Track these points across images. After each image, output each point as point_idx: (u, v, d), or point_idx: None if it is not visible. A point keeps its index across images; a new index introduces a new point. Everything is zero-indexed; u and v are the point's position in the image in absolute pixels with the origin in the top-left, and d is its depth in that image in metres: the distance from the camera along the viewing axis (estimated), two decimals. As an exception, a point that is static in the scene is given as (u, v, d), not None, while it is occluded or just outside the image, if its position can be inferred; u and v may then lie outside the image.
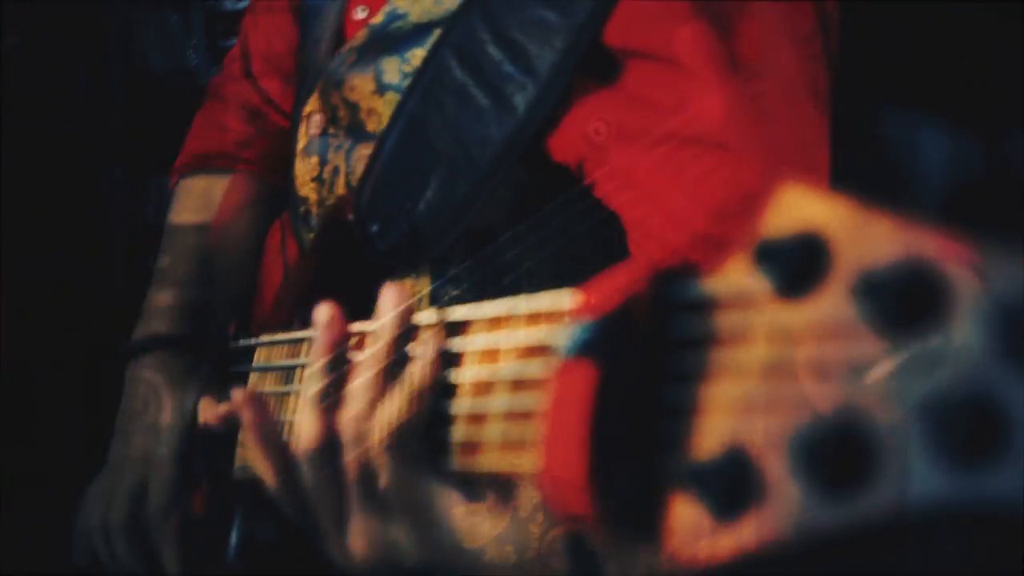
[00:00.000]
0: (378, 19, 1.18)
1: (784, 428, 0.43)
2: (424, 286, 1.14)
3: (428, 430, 0.75)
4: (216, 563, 1.32)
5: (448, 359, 0.74)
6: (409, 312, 0.78)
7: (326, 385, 0.80)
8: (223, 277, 1.41)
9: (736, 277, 0.48)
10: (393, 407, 0.75)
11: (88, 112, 2.45)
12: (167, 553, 1.26)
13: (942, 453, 0.38)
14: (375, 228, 1.05)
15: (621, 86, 1.02)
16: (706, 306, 0.49)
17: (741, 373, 0.46)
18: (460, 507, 0.76)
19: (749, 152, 0.99)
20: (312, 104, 1.25)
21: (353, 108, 1.18)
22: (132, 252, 1.59)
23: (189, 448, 1.26)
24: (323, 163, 1.23)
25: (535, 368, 0.63)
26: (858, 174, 1.01)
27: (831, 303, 0.43)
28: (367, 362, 0.78)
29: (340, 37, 1.26)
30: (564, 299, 0.61)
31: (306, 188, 1.25)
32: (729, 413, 0.46)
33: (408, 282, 1.15)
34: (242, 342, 1.23)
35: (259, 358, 1.17)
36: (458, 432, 0.70)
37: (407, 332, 0.79)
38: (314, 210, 1.25)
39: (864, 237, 0.43)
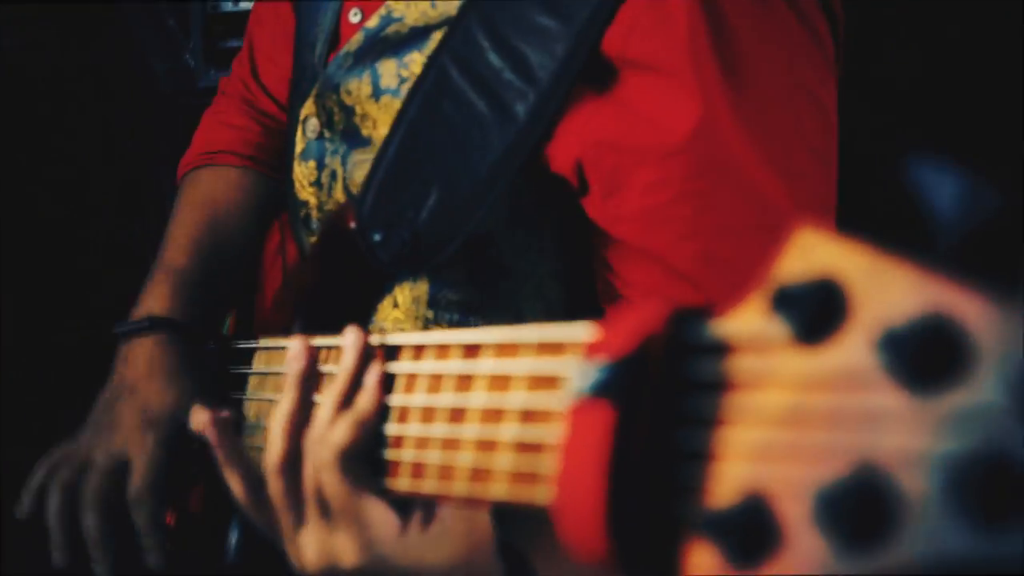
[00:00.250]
0: (373, 22, 1.18)
1: (803, 477, 0.43)
2: (421, 290, 1.14)
3: (371, 451, 0.82)
4: (215, 562, 1.32)
5: (457, 382, 0.74)
6: (369, 352, 0.83)
7: (294, 407, 0.87)
8: (222, 267, 1.41)
9: (753, 320, 0.48)
10: (341, 429, 0.82)
11: (94, 110, 2.45)
12: (146, 540, 1.23)
13: (963, 513, 0.38)
14: (377, 237, 1.05)
15: (619, 96, 1.02)
16: (723, 349, 0.49)
17: (759, 419, 0.46)
18: (397, 525, 0.83)
19: (721, 192, 0.99)
20: (308, 108, 1.25)
21: (349, 112, 1.17)
22: (132, 251, 1.58)
23: (178, 434, 1.24)
24: (320, 167, 1.23)
25: (544, 399, 0.63)
26: (875, 217, 1.01)
27: (850, 351, 0.43)
28: (330, 391, 0.84)
29: (335, 40, 1.26)
30: (571, 331, 0.61)
31: (305, 192, 1.25)
32: (747, 460, 0.46)
33: (406, 286, 1.15)
34: (242, 344, 1.23)
35: (259, 361, 1.16)
36: (465, 457, 0.70)
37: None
38: (315, 214, 1.25)
39: (883, 284, 0.43)
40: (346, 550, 0.85)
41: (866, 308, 0.43)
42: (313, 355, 0.89)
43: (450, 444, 0.72)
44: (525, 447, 0.64)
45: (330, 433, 0.83)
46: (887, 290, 0.42)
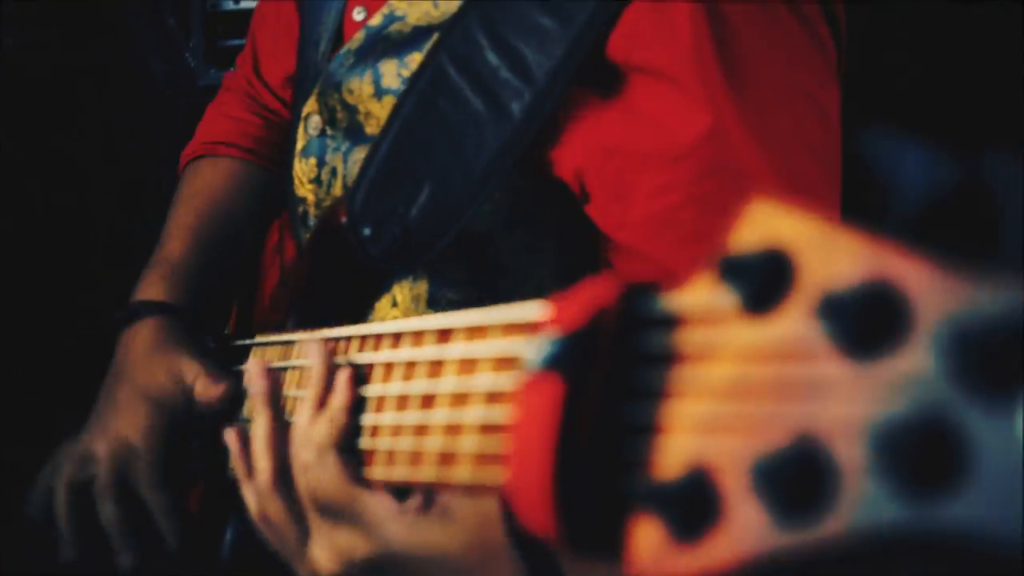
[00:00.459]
0: (375, 21, 1.18)
1: (745, 449, 0.43)
2: (421, 289, 1.14)
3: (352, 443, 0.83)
4: (211, 561, 1.32)
5: (429, 368, 0.74)
6: (334, 362, 0.86)
7: (269, 424, 0.89)
8: (220, 257, 1.41)
9: (703, 293, 0.47)
10: (321, 427, 0.84)
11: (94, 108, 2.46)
12: (161, 522, 1.23)
13: (896, 481, 0.37)
14: (367, 231, 1.05)
15: (623, 101, 1.01)
16: (673, 322, 0.49)
17: (704, 391, 0.46)
18: (394, 508, 0.83)
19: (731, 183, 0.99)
20: (310, 105, 1.25)
21: (352, 111, 1.17)
22: (132, 251, 1.58)
23: (181, 413, 1.24)
24: (321, 164, 1.23)
25: (508, 380, 0.63)
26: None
27: (792, 321, 0.43)
28: (303, 403, 0.86)
29: (339, 38, 1.26)
30: (535, 310, 0.60)
31: (304, 189, 1.25)
32: (692, 432, 0.46)
33: (406, 285, 1.15)
34: (239, 343, 1.23)
35: (254, 358, 1.17)
36: (434, 442, 0.70)
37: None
38: (312, 211, 1.25)
39: (828, 253, 0.42)
40: (354, 543, 0.85)
41: (811, 276, 0.42)
42: (274, 375, 0.91)
43: (421, 430, 0.72)
44: (489, 429, 0.64)
45: (312, 432, 0.85)
46: (833, 259, 0.42)
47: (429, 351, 0.74)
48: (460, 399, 0.68)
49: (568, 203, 1.08)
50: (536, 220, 1.10)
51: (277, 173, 1.46)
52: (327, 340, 0.90)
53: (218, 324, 1.44)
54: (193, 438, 1.25)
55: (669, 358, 0.48)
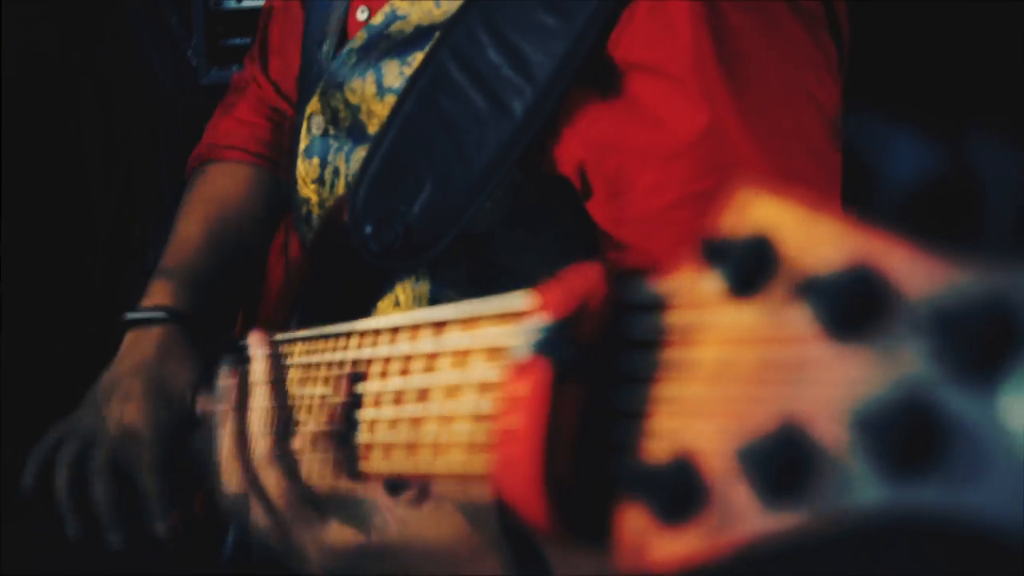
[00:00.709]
0: (377, 20, 1.18)
1: (730, 431, 0.43)
2: (423, 290, 1.14)
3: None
4: (213, 561, 1.32)
5: (425, 361, 0.74)
6: (275, 354, 0.90)
7: (236, 438, 0.93)
8: (230, 263, 1.43)
9: (689, 277, 0.47)
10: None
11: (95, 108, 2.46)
12: (154, 508, 1.26)
13: (878, 461, 0.38)
14: (368, 229, 1.05)
15: (623, 99, 1.01)
16: (660, 306, 0.49)
17: (690, 374, 0.46)
18: (388, 501, 0.85)
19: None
20: (313, 105, 1.25)
21: (354, 110, 1.18)
22: (132, 251, 1.59)
23: (189, 414, 1.26)
24: (324, 164, 1.23)
25: (499, 370, 0.63)
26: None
27: (777, 304, 0.43)
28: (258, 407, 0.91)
29: (342, 38, 1.26)
30: (526, 300, 0.61)
31: (307, 189, 1.26)
32: (678, 416, 0.46)
33: (408, 285, 1.15)
34: (244, 343, 1.23)
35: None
36: (428, 432, 0.70)
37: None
38: (316, 211, 1.25)
39: (811, 238, 0.42)
40: (346, 537, 0.87)
41: (794, 260, 0.43)
42: (242, 383, 0.95)
43: (416, 422, 0.72)
44: (482, 418, 0.64)
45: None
46: (816, 243, 0.42)
47: (424, 344, 0.74)
48: (454, 390, 0.68)
49: (568, 202, 1.08)
50: (536, 219, 1.10)
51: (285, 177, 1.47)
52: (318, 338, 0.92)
53: (225, 328, 1.45)
54: (196, 440, 1.26)
55: (656, 342, 0.48)
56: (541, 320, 0.52)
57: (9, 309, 2.30)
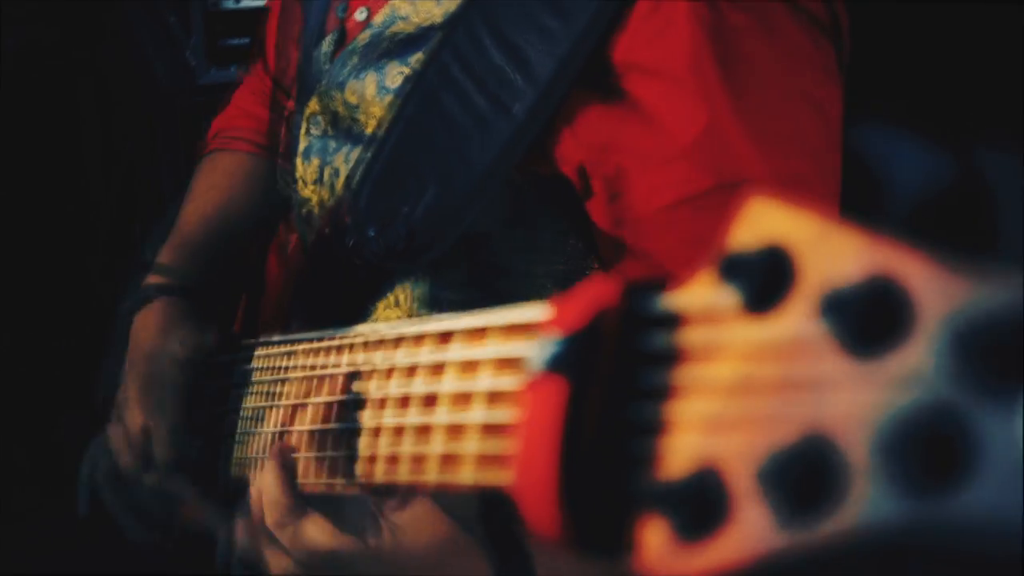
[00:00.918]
0: (378, 20, 1.18)
1: (751, 447, 0.43)
2: (421, 290, 1.14)
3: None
4: (209, 565, 1.32)
5: (430, 371, 0.74)
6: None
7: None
8: (232, 244, 1.43)
9: (704, 292, 0.47)
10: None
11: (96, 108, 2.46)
12: (183, 502, 1.27)
13: (903, 477, 0.37)
14: (371, 231, 1.05)
15: (623, 100, 1.01)
16: (675, 321, 0.49)
17: (709, 390, 0.46)
18: (371, 509, 0.87)
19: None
20: (312, 106, 1.25)
21: (354, 111, 1.17)
22: (132, 251, 1.59)
23: (194, 399, 1.27)
24: (324, 165, 1.22)
25: (509, 381, 0.63)
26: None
27: (795, 319, 0.43)
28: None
29: (341, 39, 1.25)
30: (536, 312, 0.60)
31: (307, 190, 1.25)
32: (698, 431, 0.46)
33: (407, 285, 1.15)
34: (244, 343, 1.23)
35: (258, 359, 1.17)
36: (436, 444, 0.70)
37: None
38: (316, 211, 1.25)
39: (829, 251, 0.42)
40: (334, 537, 0.89)
41: (812, 274, 0.42)
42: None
43: (423, 433, 0.72)
44: (491, 430, 0.64)
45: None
46: (833, 256, 0.42)
47: (429, 355, 0.74)
48: (461, 401, 0.68)
49: (567, 202, 1.08)
50: (535, 220, 1.10)
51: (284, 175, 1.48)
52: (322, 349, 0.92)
53: (228, 309, 1.46)
54: (194, 439, 1.26)
55: (672, 357, 0.48)
56: (555, 334, 0.52)
57: (9, 309, 2.30)
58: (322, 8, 1.28)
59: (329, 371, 0.89)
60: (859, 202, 0.97)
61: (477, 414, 0.65)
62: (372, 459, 0.79)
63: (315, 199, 1.25)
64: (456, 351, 0.70)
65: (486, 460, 0.64)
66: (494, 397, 0.64)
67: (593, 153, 1.04)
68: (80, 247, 2.44)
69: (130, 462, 1.26)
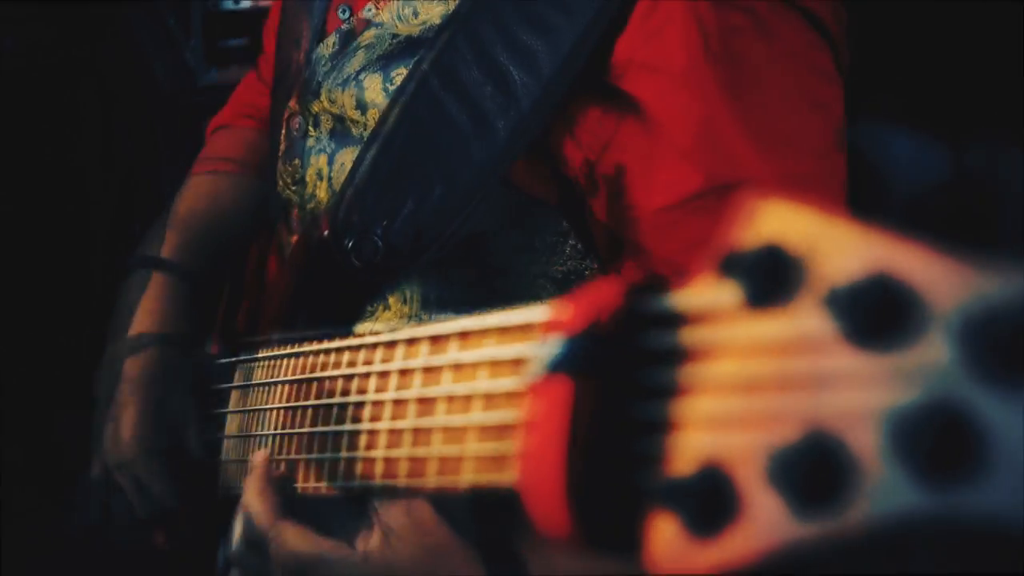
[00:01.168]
0: (379, 21, 1.17)
1: (759, 444, 0.43)
2: (415, 291, 1.14)
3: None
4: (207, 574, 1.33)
5: (425, 375, 0.74)
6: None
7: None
8: (225, 223, 1.43)
9: (707, 290, 0.47)
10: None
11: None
12: (158, 489, 1.26)
13: (913, 469, 0.38)
14: (350, 243, 1.05)
15: (624, 101, 1.01)
16: (678, 320, 0.49)
17: (714, 388, 0.46)
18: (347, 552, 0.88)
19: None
20: (292, 107, 1.25)
21: (354, 112, 1.17)
22: (132, 251, 1.59)
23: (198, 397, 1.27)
24: (305, 166, 1.22)
25: (508, 383, 0.63)
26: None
27: (800, 315, 0.43)
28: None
29: (342, 40, 1.25)
30: (534, 313, 0.60)
31: (288, 191, 1.25)
32: (704, 428, 0.46)
33: (405, 287, 1.15)
34: (223, 361, 1.23)
35: (239, 376, 1.17)
36: (434, 447, 0.70)
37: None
38: (295, 212, 1.24)
39: (831, 246, 0.42)
40: (299, 541, 0.90)
41: (815, 270, 0.43)
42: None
43: (422, 434, 0.72)
44: (490, 431, 0.64)
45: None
46: (836, 252, 0.42)
47: (428, 357, 0.74)
48: (460, 403, 0.68)
49: (567, 202, 1.08)
50: (535, 220, 1.10)
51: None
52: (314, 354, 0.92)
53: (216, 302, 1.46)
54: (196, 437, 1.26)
55: (676, 356, 0.48)
56: (559, 335, 0.52)
57: (9, 308, 2.30)
58: (323, 9, 1.28)
59: (328, 373, 0.89)
60: (860, 198, 0.98)
61: (476, 415, 0.65)
62: (371, 461, 0.79)
63: (295, 199, 1.24)
64: (454, 353, 0.70)
65: (486, 461, 0.64)
66: (493, 398, 0.64)
67: (593, 153, 1.04)
68: (80, 247, 2.44)
69: (131, 449, 1.25)
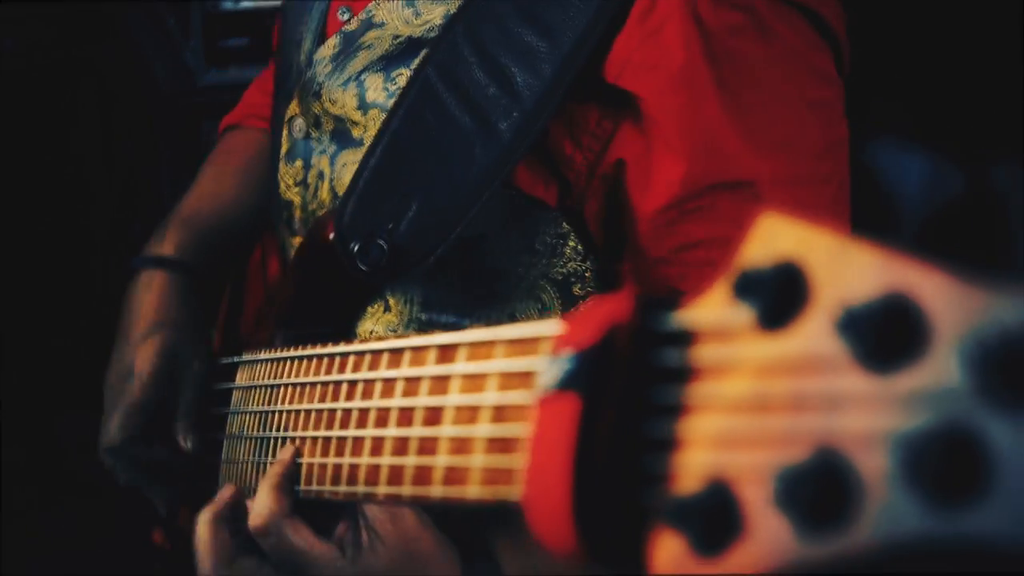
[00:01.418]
0: (352, 26, 1.17)
1: (766, 463, 0.43)
2: (415, 293, 1.14)
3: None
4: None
5: (432, 384, 0.74)
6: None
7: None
8: (230, 222, 1.43)
9: (717, 308, 0.47)
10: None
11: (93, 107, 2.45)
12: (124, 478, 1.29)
13: (921, 492, 0.38)
14: (355, 247, 1.05)
15: (622, 101, 1.01)
16: (688, 338, 0.49)
17: (722, 407, 0.46)
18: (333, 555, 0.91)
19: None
20: (293, 108, 1.24)
21: (337, 118, 1.17)
22: (132, 251, 1.59)
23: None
24: (307, 168, 1.22)
25: (516, 396, 0.63)
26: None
27: (810, 335, 0.43)
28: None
29: (343, 42, 1.25)
30: (543, 327, 0.61)
31: (290, 192, 1.25)
32: (711, 447, 0.46)
33: (399, 289, 1.15)
34: (226, 361, 1.23)
35: (241, 376, 1.17)
36: (440, 458, 0.70)
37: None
38: (298, 214, 1.24)
39: (843, 267, 0.42)
40: (299, 541, 0.92)
41: (826, 291, 0.43)
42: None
43: (427, 444, 0.72)
44: (497, 444, 0.64)
45: None
46: (847, 272, 0.42)
47: (436, 367, 0.74)
48: (467, 415, 0.68)
49: (562, 205, 1.08)
50: (534, 221, 1.10)
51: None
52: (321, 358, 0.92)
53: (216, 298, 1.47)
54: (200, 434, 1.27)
55: (685, 374, 0.48)
56: (567, 351, 0.52)
57: (9, 308, 2.29)
58: (323, 10, 1.27)
59: (334, 378, 0.89)
60: (870, 216, 0.98)
61: (483, 428, 0.65)
62: (376, 469, 0.79)
63: (297, 201, 1.24)
64: (463, 364, 0.70)
65: (492, 474, 0.64)
66: (501, 411, 0.64)
67: (592, 153, 1.04)
68: (80, 247, 2.44)
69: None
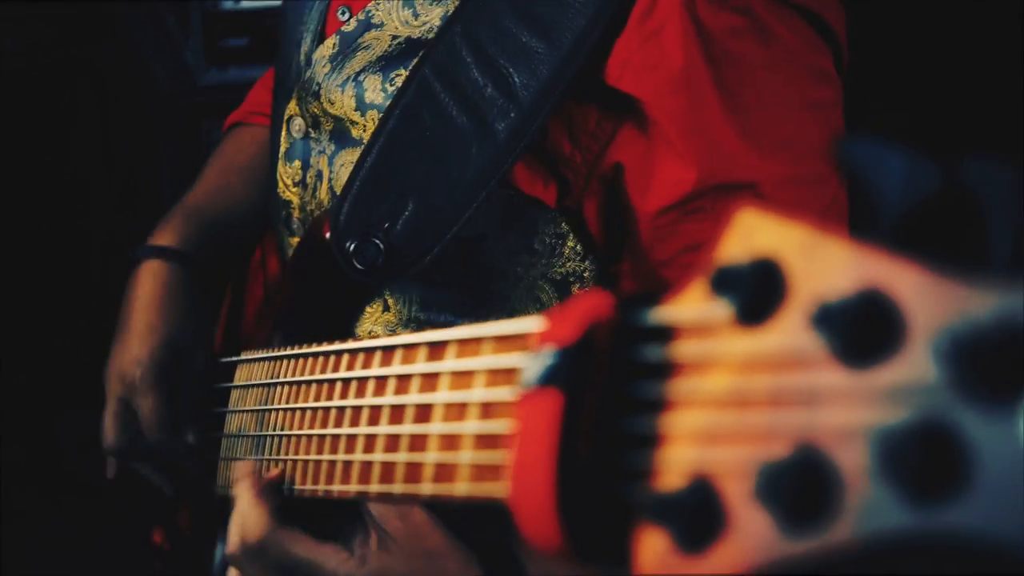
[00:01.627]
0: (350, 27, 1.17)
1: (748, 459, 0.43)
2: (414, 293, 1.14)
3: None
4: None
5: (422, 382, 0.74)
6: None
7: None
8: (232, 217, 1.45)
9: (696, 304, 0.47)
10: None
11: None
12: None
13: (899, 487, 0.38)
14: (351, 246, 1.05)
15: (621, 102, 1.01)
16: (668, 334, 0.49)
17: (703, 402, 0.46)
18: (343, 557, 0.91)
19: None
20: (292, 108, 1.24)
21: (335, 118, 1.17)
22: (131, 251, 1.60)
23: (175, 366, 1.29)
24: (305, 168, 1.22)
25: (503, 393, 0.63)
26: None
27: (788, 331, 0.43)
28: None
29: (342, 42, 1.25)
30: (529, 324, 0.61)
31: (289, 192, 1.25)
32: (693, 443, 0.46)
33: (401, 295, 1.15)
34: (225, 360, 1.23)
35: (240, 375, 1.17)
36: (430, 455, 0.70)
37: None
38: (296, 214, 1.24)
39: (820, 262, 0.42)
40: (294, 546, 0.92)
41: (804, 286, 0.43)
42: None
43: (417, 441, 0.72)
44: (485, 440, 0.64)
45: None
46: (824, 267, 0.42)
47: (425, 365, 0.74)
48: (455, 412, 0.68)
49: (560, 205, 1.08)
50: (533, 221, 1.10)
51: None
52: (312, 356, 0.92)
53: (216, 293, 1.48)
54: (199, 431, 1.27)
55: (666, 369, 0.48)
56: (549, 347, 0.52)
57: (9, 308, 2.30)
58: (323, 10, 1.27)
59: (327, 377, 0.90)
60: (851, 214, 0.98)
61: (471, 424, 0.65)
62: (368, 466, 0.79)
63: (296, 201, 1.24)
64: (450, 362, 0.70)
65: (480, 470, 0.64)
66: (488, 408, 0.64)
67: (592, 154, 1.04)
68: (80, 247, 2.44)
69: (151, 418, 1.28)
